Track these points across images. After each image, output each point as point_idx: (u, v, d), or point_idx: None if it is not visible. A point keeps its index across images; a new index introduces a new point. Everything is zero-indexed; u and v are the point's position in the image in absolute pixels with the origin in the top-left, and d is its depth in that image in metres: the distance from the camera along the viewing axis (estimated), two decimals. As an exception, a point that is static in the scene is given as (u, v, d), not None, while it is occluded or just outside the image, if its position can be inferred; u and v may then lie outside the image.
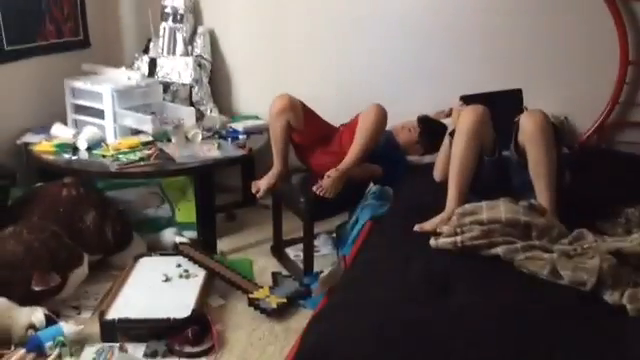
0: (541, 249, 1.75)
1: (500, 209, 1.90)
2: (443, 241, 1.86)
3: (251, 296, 2.39)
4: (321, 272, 2.38)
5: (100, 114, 2.94)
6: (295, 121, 2.66)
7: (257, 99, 3.11)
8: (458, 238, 1.83)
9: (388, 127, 2.78)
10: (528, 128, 2.07)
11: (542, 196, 2.05)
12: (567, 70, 2.94)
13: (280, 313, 2.33)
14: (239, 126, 3.18)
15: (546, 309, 1.53)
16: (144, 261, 2.61)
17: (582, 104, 2.93)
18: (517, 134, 2.12)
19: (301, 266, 2.69)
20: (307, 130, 2.71)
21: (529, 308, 1.54)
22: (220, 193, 3.43)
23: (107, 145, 2.85)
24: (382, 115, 2.55)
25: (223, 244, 3.00)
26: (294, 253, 2.89)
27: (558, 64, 2.95)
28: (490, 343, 1.38)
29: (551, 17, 2.90)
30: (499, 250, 1.77)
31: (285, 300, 2.37)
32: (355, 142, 2.56)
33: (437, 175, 2.49)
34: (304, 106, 2.70)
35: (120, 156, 2.74)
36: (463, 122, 2.13)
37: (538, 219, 1.89)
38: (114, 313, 2.19)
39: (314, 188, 2.51)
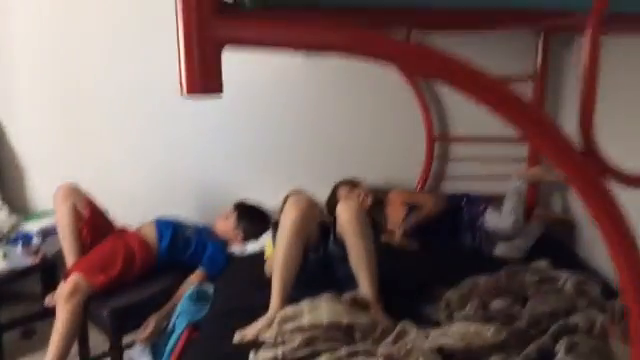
0: (365, 354, 1.62)
1: (322, 311, 1.76)
2: (263, 356, 1.65)
3: None
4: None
5: None
6: (81, 205, 2.45)
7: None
8: (279, 351, 1.64)
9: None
10: (343, 217, 2.01)
11: (364, 287, 1.98)
12: (382, 150, 3.01)
13: None
14: (33, 226, 2.75)
15: None
16: None
17: (398, 181, 3.00)
18: (335, 225, 2.05)
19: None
20: (93, 221, 2.47)
21: None
22: (13, 304, 2.93)
23: None
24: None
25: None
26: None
27: (375, 145, 3.01)
28: None
29: (363, 99, 2.98)
30: (323, 360, 1.60)
31: None
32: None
33: (267, 270, 2.32)
34: (87, 196, 2.52)
35: None
36: (286, 217, 2.00)
37: (361, 317, 1.78)
38: None
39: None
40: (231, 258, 2.61)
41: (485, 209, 2.63)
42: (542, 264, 2.30)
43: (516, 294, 2.00)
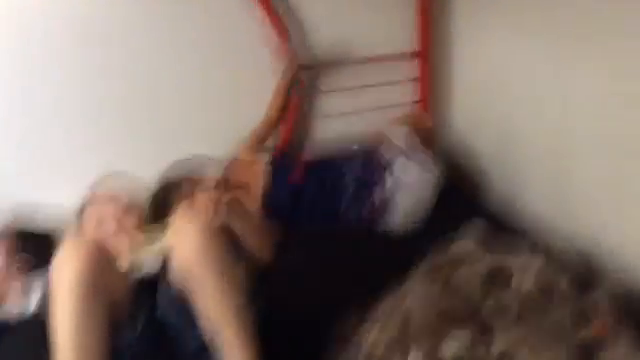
0: None
1: None
2: None
3: None
4: None
5: None
6: None
7: None
8: None
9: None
10: (182, 254, 1.15)
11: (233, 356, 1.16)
12: (220, 101, 2.12)
13: None
14: None
15: None
16: None
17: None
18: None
19: None
20: None
21: None
22: None
23: None
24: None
25: None
26: None
27: (207, 96, 2.09)
28: None
29: (186, 28, 1.99)
30: None
31: None
32: None
33: None
34: None
35: None
36: (59, 275, 1.09)
37: None
38: None
39: None
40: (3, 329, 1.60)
41: (384, 171, 1.91)
42: (468, 245, 1.63)
43: (470, 314, 1.31)
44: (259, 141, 2.08)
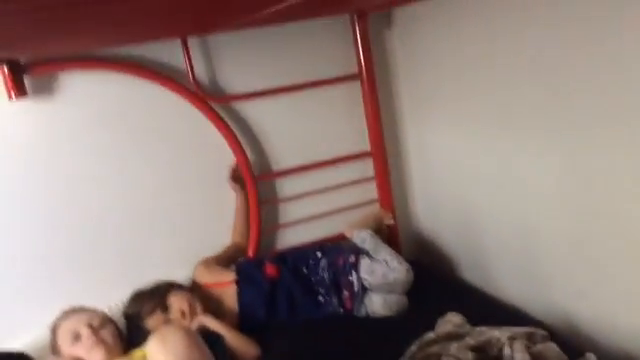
0: None
1: None
2: None
3: None
4: None
5: None
6: None
7: None
8: None
9: None
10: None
11: None
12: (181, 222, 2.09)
13: None
14: None
15: None
16: None
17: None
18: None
19: None
20: None
21: None
22: None
23: None
24: None
25: None
26: None
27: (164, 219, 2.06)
28: None
29: (138, 147, 2.00)
30: None
31: None
32: None
33: None
34: None
35: None
36: None
37: None
38: None
39: None
40: None
41: (357, 260, 1.90)
42: (456, 319, 1.63)
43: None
44: (227, 261, 2.03)
